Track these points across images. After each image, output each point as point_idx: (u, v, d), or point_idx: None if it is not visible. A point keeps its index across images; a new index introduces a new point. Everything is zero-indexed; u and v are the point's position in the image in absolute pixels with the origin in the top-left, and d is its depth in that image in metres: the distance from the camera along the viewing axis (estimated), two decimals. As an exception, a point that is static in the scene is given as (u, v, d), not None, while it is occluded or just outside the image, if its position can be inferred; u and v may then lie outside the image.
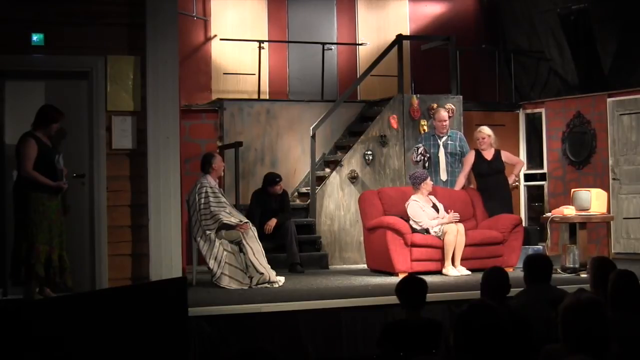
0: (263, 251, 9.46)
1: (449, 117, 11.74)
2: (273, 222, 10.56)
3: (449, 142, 11.26)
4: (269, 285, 9.17)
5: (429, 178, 10.39)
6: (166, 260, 8.41)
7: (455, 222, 10.07)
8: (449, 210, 10.18)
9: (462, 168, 11.06)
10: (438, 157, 11.22)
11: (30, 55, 8.43)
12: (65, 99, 8.64)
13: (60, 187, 8.10)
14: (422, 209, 10.18)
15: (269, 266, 9.40)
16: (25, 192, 8.00)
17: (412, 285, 5.84)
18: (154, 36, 8.51)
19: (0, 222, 8.50)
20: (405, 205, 10.24)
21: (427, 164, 11.21)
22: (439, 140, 11.28)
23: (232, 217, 9.44)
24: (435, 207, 10.30)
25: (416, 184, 10.37)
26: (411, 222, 10.15)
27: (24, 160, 8.00)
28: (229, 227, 9.37)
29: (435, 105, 12.06)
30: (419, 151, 11.29)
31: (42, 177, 7.98)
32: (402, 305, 5.81)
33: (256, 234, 9.53)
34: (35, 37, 8.37)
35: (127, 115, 8.55)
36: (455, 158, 11.24)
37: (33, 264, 7.91)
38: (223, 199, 9.58)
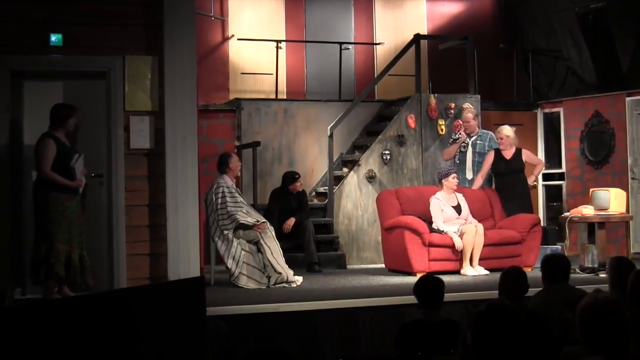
0: (281, 251, 9.46)
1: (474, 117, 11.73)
2: (292, 221, 10.57)
3: (478, 141, 11.19)
4: (286, 285, 9.17)
5: (452, 175, 10.30)
6: (184, 260, 8.41)
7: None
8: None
9: (481, 168, 11.02)
10: (465, 155, 11.18)
11: (48, 55, 8.45)
12: (83, 99, 8.67)
13: (79, 186, 8.12)
14: (441, 208, 10.14)
15: (287, 266, 9.40)
16: (44, 193, 8.03)
17: (430, 285, 5.83)
18: (171, 36, 8.52)
19: (19, 222, 8.55)
20: (430, 200, 10.22)
21: (457, 157, 11.18)
22: (468, 140, 11.24)
23: (249, 216, 9.44)
24: (458, 207, 10.25)
25: (438, 179, 10.37)
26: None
27: (42, 161, 8.03)
28: (246, 227, 9.38)
29: (453, 105, 12.04)
30: (458, 134, 11.20)
31: (60, 177, 8.01)
32: (420, 305, 5.80)
33: (274, 233, 9.53)
34: (54, 38, 8.40)
35: (144, 115, 8.56)
36: (483, 158, 11.19)
37: (53, 264, 7.94)
38: (240, 199, 9.59)
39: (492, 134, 11.44)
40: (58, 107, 8.24)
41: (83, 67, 8.62)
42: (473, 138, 11.22)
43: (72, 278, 8.05)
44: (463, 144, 11.18)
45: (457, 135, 11.28)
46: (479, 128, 11.34)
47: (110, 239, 8.50)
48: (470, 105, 11.87)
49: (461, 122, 11.34)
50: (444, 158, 11.40)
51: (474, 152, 11.20)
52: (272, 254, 9.30)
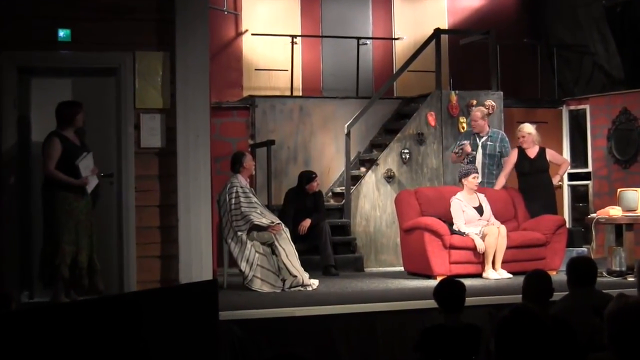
0: (296, 253, 9.46)
1: (489, 113, 11.69)
2: (307, 222, 10.56)
3: (488, 142, 11.15)
4: (302, 289, 9.17)
5: (472, 175, 10.28)
6: (196, 262, 8.42)
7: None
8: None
9: (504, 167, 10.99)
10: (475, 157, 11.13)
11: (56, 51, 8.47)
12: (93, 97, 8.68)
13: (83, 184, 8.12)
14: (462, 209, 10.12)
15: (302, 269, 9.39)
16: (52, 192, 8.06)
17: (451, 289, 5.81)
18: (183, 31, 8.53)
19: (27, 222, 8.57)
20: (450, 201, 10.20)
21: (467, 160, 11.13)
22: (478, 140, 11.20)
23: (263, 217, 9.44)
24: (480, 208, 10.22)
25: (458, 179, 10.35)
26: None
27: (46, 160, 8.07)
28: (260, 228, 9.38)
29: (474, 102, 12.01)
30: (460, 144, 11.17)
31: (64, 175, 8.03)
32: (441, 309, 5.79)
33: (289, 235, 9.53)
34: (62, 33, 8.41)
35: (155, 112, 8.57)
36: (494, 160, 11.14)
37: (57, 265, 7.97)
38: (254, 199, 9.60)
39: (503, 133, 11.41)
40: (62, 105, 8.25)
41: (92, 64, 8.63)
42: (483, 139, 11.17)
43: (78, 281, 8.07)
44: (469, 155, 11.08)
45: (460, 144, 11.19)
46: (489, 127, 11.27)
47: (120, 241, 8.52)
48: (493, 102, 11.84)
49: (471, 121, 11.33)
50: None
51: (484, 154, 11.14)
52: (287, 256, 9.30)
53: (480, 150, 11.15)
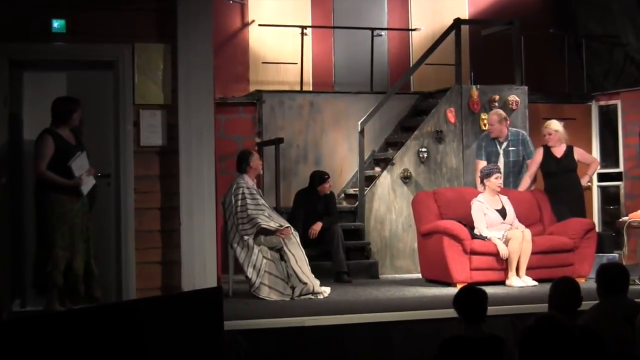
0: (306, 259, 9.45)
1: (513, 109, 11.66)
2: (318, 226, 10.57)
3: (510, 148, 11.09)
4: (312, 297, 9.17)
5: (494, 175, 10.26)
6: (200, 269, 8.44)
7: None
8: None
9: (528, 167, 10.97)
10: (498, 165, 11.02)
11: (50, 43, 8.50)
12: (89, 92, 8.71)
13: (76, 185, 8.11)
14: (484, 212, 10.10)
15: (313, 275, 9.40)
16: (44, 193, 8.08)
17: (472, 297, 5.80)
18: (186, 22, 8.55)
19: (19, 226, 8.60)
20: (471, 203, 10.19)
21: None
22: (499, 147, 11.12)
23: (271, 221, 9.45)
24: (503, 210, 10.20)
25: (481, 179, 10.32)
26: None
27: (37, 160, 8.08)
28: (268, 232, 9.38)
29: (497, 97, 11.98)
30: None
31: (55, 175, 8.04)
32: (461, 319, 5.78)
33: (299, 239, 9.53)
34: (56, 24, 8.44)
35: (156, 109, 8.59)
36: (518, 166, 11.09)
37: (50, 272, 7.98)
38: (262, 201, 9.60)
39: (524, 133, 11.35)
40: (59, 101, 8.27)
41: (88, 56, 8.66)
42: (504, 145, 11.10)
43: (73, 288, 8.07)
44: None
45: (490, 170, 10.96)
46: (507, 131, 11.20)
47: (118, 246, 8.54)
48: (517, 97, 11.82)
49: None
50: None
51: (507, 162, 11.07)
52: (296, 262, 9.30)
53: (502, 158, 11.09)
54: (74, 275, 8.06)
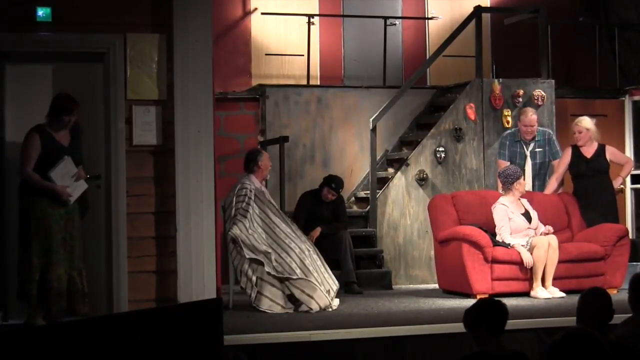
0: (324, 264, 9.51)
1: (539, 105, 11.66)
2: (316, 232, 10.56)
3: (537, 149, 11.10)
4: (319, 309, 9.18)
5: (523, 177, 10.29)
6: (197, 279, 8.44)
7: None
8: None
9: (555, 169, 10.96)
10: (524, 168, 11.02)
11: (35, 33, 8.50)
12: (77, 86, 8.69)
13: (63, 194, 8.08)
14: (509, 217, 10.09)
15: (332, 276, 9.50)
16: (26, 196, 8.07)
17: (491, 311, 5.78)
18: (182, 10, 8.55)
19: (1, 233, 8.58)
20: (492, 208, 10.18)
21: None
22: (525, 149, 11.10)
23: (262, 244, 9.33)
24: (527, 214, 10.21)
25: (507, 182, 10.28)
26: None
27: (22, 159, 8.08)
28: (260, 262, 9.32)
29: (521, 92, 11.96)
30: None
31: (41, 179, 8.02)
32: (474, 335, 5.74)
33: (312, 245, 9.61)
34: (41, 12, 8.44)
35: (150, 105, 8.60)
36: (544, 169, 11.10)
37: (25, 281, 7.97)
38: (269, 211, 9.49)
39: (550, 132, 11.34)
40: (59, 96, 8.23)
41: (76, 48, 8.65)
42: (531, 146, 11.10)
43: (49, 301, 8.01)
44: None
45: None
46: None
47: (109, 254, 8.54)
48: (543, 92, 11.81)
49: (520, 125, 11.18)
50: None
51: (534, 165, 11.09)
52: (323, 265, 9.40)
53: (529, 160, 11.08)
54: (50, 288, 8.00)
